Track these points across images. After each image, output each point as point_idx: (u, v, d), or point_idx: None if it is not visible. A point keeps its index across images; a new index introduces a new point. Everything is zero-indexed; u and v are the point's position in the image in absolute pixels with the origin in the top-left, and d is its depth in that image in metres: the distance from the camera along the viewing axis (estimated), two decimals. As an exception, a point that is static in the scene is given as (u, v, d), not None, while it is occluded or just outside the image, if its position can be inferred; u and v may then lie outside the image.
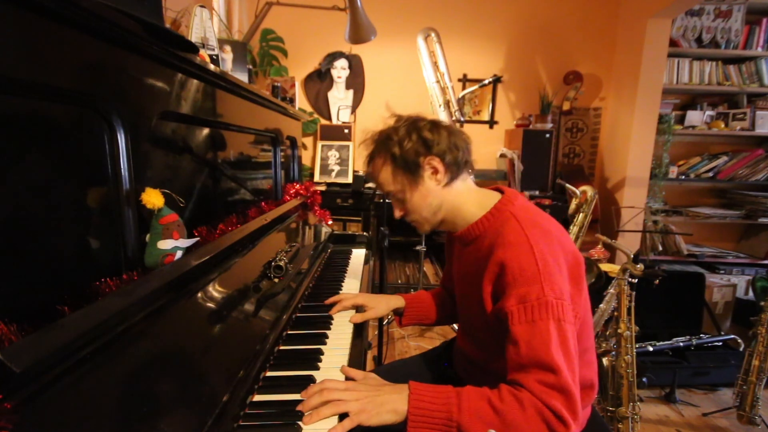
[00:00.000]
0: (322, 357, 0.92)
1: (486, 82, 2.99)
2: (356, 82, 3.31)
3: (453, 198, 0.95)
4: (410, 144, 0.91)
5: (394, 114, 0.99)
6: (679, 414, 1.97)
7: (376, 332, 2.06)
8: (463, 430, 0.71)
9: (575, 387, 0.74)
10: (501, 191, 0.96)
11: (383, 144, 0.95)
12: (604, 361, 1.57)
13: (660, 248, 3.22)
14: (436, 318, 1.23)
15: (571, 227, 2.27)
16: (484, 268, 0.85)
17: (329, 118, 3.33)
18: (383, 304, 1.17)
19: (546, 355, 0.73)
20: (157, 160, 0.78)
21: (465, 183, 0.96)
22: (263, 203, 1.33)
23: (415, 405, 0.74)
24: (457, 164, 0.93)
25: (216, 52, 1.25)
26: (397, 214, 1.00)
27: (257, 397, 0.76)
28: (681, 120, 3.16)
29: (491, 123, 3.42)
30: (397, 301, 1.20)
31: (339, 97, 3.29)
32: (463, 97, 3.29)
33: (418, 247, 2.76)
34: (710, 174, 3.18)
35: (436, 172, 0.92)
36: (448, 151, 0.91)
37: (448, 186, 0.94)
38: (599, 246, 2.53)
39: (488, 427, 0.72)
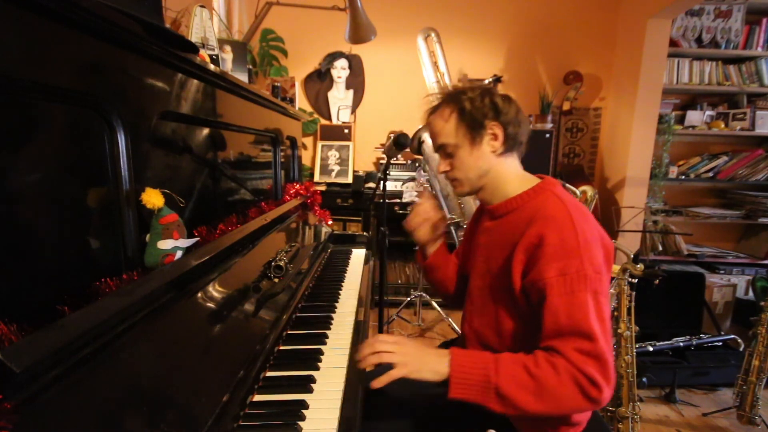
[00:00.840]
0: (322, 357, 0.93)
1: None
2: (356, 82, 3.31)
3: (501, 169, 0.97)
4: (481, 104, 0.94)
5: (463, 77, 1.04)
6: (679, 414, 1.97)
7: (376, 332, 2.06)
8: (501, 392, 0.78)
9: (609, 354, 0.79)
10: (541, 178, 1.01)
11: (454, 97, 0.97)
12: (604, 361, 1.57)
13: (660, 248, 3.22)
14: (453, 280, 1.19)
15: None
16: (518, 238, 0.88)
17: (329, 118, 3.33)
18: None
19: (585, 324, 0.78)
20: (157, 160, 0.78)
21: (514, 161, 1.00)
22: (263, 203, 1.33)
23: (456, 369, 0.80)
24: (514, 139, 0.96)
25: (216, 52, 1.25)
26: (443, 168, 1.01)
27: (257, 397, 0.77)
28: (681, 120, 3.16)
29: (491, 123, 3.41)
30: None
31: (339, 97, 3.29)
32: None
33: (418, 247, 2.75)
34: (710, 174, 3.18)
35: (495, 138, 0.95)
36: (512, 123, 0.95)
37: (501, 157, 0.97)
38: (599, 246, 2.52)
39: (524, 389, 0.78)
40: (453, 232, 2.45)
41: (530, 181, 0.98)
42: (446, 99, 0.99)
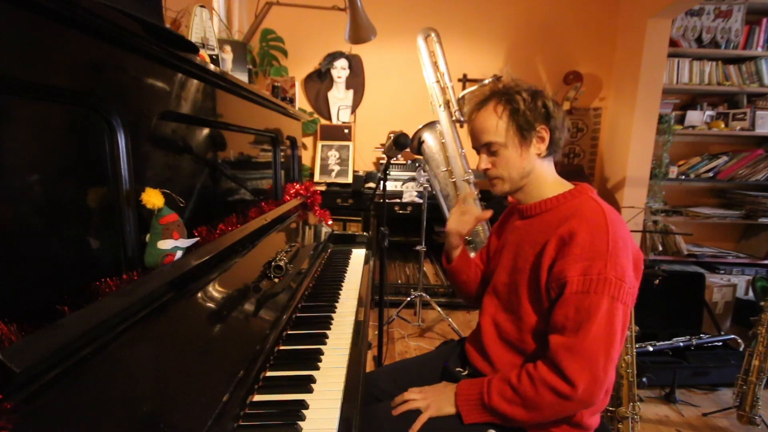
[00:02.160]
0: (322, 357, 0.93)
1: (486, 82, 2.99)
2: (356, 82, 3.31)
3: (542, 171, 0.99)
4: (534, 106, 0.95)
5: (507, 70, 1.05)
6: (679, 414, 1.97)
7: (376, 332, 2.05)
8: (495, 408, 0.87)
9: (604, 357, 0.80)
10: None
11: (506, 95, 0.96)
12: (604, 361, 1.57)
13: (660, 248, 3.22)
14: (476, 282, 1.21)
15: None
16: (550, 235, 0.90)
17: (329, 118, 3.33)
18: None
19: (586, 322, 0.81)
20: (157, 160, 0.78)
21: (551, 164, 1.02)
22: (263, 203, 1.33)
23: (460, 396, 0.93)
24: (556, 143, 0.97)
25: (216, 52, 1.25)
26: (484, 165, 1.00)
27: (257, 397, 0.77)
28: (681, 120, 3.16)
29: (491, 123, 3.41)
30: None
31: (339, 97, 3.29)
32: (463, 97, 3.29)
33: (418, 247, 2.76)
34: (710, 174, 3.18)
35: (542, 141, 0.96)
36: (558, 128, 0.96)
37: (543, 159, 0.98)
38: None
39: (511, 403, 0.86)
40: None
41: (566, 185, 1.00)
42: (497, 96, 0.97)
